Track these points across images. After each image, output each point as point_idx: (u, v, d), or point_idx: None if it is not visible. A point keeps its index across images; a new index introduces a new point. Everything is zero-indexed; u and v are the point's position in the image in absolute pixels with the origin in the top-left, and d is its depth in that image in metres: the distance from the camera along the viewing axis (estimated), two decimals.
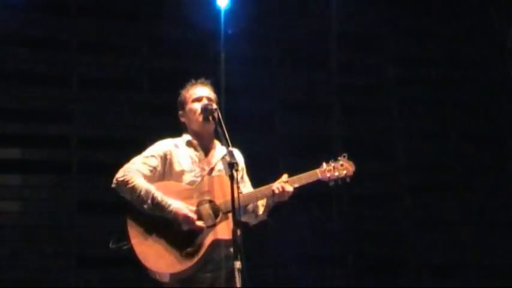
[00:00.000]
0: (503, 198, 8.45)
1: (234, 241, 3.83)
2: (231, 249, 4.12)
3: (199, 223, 4.16)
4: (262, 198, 4.36)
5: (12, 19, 7.33)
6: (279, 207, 4.47)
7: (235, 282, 3.89)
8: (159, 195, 4.18)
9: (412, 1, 8.62)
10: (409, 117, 8.54)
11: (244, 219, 4.39)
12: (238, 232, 3.81)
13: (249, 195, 4.30)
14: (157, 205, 4.16)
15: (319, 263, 7.98)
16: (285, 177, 4.32)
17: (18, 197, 7.26)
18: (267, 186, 4.32)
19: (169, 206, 4.15)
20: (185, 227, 4.15)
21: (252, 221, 4.49)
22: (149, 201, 4.16)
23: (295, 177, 4.35)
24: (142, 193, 4.17)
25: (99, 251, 6.58)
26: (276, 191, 4.26)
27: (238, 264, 3.74)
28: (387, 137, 8.52)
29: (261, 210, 4.44)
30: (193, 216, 4.15)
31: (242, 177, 4.45)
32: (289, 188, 4.28)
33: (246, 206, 4.32)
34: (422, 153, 8.50)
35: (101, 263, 7.10)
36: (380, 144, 8.41)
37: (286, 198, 4.31)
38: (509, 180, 8.48)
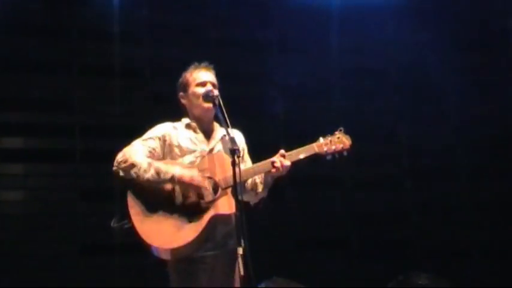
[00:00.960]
0: (507, 182, 8.44)
1: (236, 224, 3.86)
2: (232, 227, 4.15)
3: (205, 179, 4.17)
4: (260, 173, 4.36)
5: (13, 7, 7.32)
6: (277, 185, 4.48)
7: (236, 263, 3.91)
8: (161, 164, 4.21)
9: None
10: (410, 101, 8.53)
11: (245, 198, 4.42)
12: (240, 216, 3.83)
13: (246, 170, 4.31)
14: (160, 173, 4.17)
15: (321, 246, 8.01)
16: (282, 151, 4.33)
17: (21, 186, 7.28)
18: (264, 161, 4.33)
19: (172, 171, 4.18)
20: (193, 189, 4.17)
21: (252, 199, 4.50)
22: (152, 170, 4.17)
23: (292, 152, 4.37)
24: (144, 165, 4.19)
25: (102, 239, 6.60)
26: (275, 165, 4.26)
27: (240, 250, 3.76)
28: (388, 120, 8.51)
29: (260, 187, 4.46)
30: (198, 174, 4.16)
31: (243, 157, 4.47)
32: (287, 162, 4.30)
33: (245, 182, 4.32)
34: (424, 136, 8.49)
35: (104, 251, 7.13)
36: (381, 127, 8.40)
37: (284, 173, 4.32)
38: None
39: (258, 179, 4.45)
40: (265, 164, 4.33)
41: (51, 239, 7.15)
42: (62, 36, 7.52)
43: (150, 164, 4.19)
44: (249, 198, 4.50)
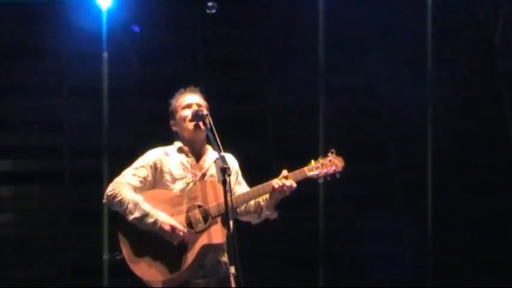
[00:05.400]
0: (497, 196, 8.46)
1: (228, 246, 3.84)
2: (224, 255, 4.13)
3: (183, 233, 4.15)
4: (259, 196, 4.30)
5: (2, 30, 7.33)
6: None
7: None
8: (147, 207, 4.18)
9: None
10: (400, 117, 8.54)
11: (246, 218, 4.40)
12: (232, 236, 3.81)
13: (239, 196, 4.27)
14: (145, 216, 4.16)
15: (311, 264, 7.99)
16: (285, 172, 4.29)
17: (11, 208, 7.25)
18: (264, 184, 4.29)
19: (157, 217, 4.15)
20: (173, 240, 4.16)
21: (254, 220, 4.47)
22: (137, 213, 4.16)
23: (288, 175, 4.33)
24: (130, 206, 4.16)
25: (92, 261, 6.57)
26: (276, 186, 4.23)
27: (233, 269, 3.74)
28: (379, 137, 8.52)
29: (266, 211, 4.38)
30: (181, 228, 4.15)
31: (237, 179, 4.44)
32: (289, 183, 4.24)
33: (237, 207, 4.30)
34: (414, 153, 8.50)
35: (94, 272, 7.08)
36: (372, 144, 8.41)
37: (287, 193, 4.28)
38: (502, 178, 8.51)
39: (263, 202, 4.42)
40: (264, 186, 4.31)
41: (41, 261, 7.11)
42: (51, 58, 7.51)
43: (136, 205, 4.18)
44: (251, 219, 4.47)
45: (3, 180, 7.22)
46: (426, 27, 8.36)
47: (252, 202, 4.36)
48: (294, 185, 4.26)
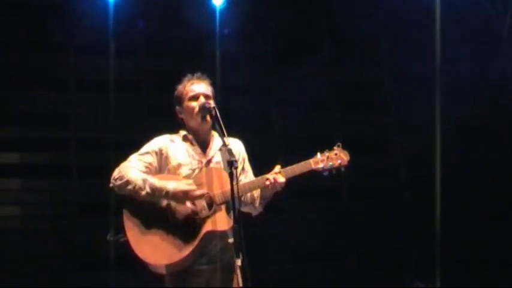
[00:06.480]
0: (502, 190, 8.44)
1: (234, 237, 3.84)
2: (228, 241, 4.13)
3: (200, 192, 4.16)
4: (255, 188, 4.33)
5: (7, 24, 7.34)
6: (274, 201, 4.46)
7: (233, 278, 3.89)
8: (156, 180, 4.19)
9: None
10: (406, 112, 8.54)
11: (245, 209, 4.40)
12: (238, 228, 3.81)
13: (242, 185, 4.25)
14: (155, 189, 4.17)
15: (319, 259, 7.99)
16: (277, 168, 4.28)
17: (18, 201, 7.27)
18: (260, 177, 4.31)
19: (166, 186, 4.16)
20: (188, 202, 4.16)
21: (252, 212, 4.48)
22: (147, 187, 4.17)
23: (288, 168, 4.31)
24: (138, 182, 4.17)
25: (99, 254, 6.59)
26: (268, 182, 4.25)
27: (239, 261, 3.75)
28: (385, 131, 8.51)
29: (257, 202, 4.43)
30: (193, 188, 4.16)
31: (243, 168, 4.45)
32: (282, 179, 4.24)
33: (241, 196, 4.30)
34: (419, 147, 8.49)
35: (102, 265, 7.11)
36: (378, 139, 8.40)
37: (279, 189, 4.27)
38: (507, 172, 8.49)
39: (256, 193, 4.43)
40: (260, 179, 4.31)
41: (49, 254, 7.13)
42: (57, 52, 7.52)
43: (144, 181, 4.19)
44: (250, 211, 4.49)
45: (10, 173, 7.24)
46: (435, 22, 8.36)
47: (248, 194, 4.38)
48: (284, 180, 4.23)
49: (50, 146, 7.37)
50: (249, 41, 8.00)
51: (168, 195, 4.17)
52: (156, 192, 4.17)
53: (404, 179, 8.53)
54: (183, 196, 4.16)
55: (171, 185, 4.17)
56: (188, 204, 4.18)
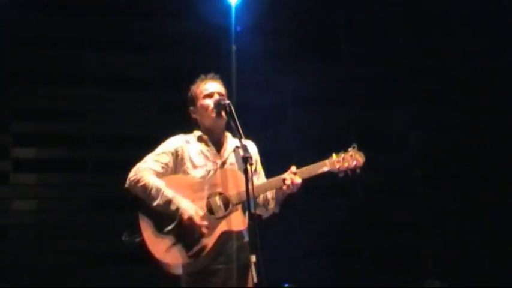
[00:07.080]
0: None
1: (250, 235, 3.86)
2: (244, 241, 4.15)
3: (203, 226, 4.17)
4: (271, 189, 4.35)
5: (26, 19, 7.37)
6: (289, 200, 4.46)
7: (249, 276, 3.90)
8: (170, 193, 4.20)
9: None
10: (422, 108, 8.52)
11: (257, 211, 4.41)
12: (253, 225, 3.83)
13: (258, 186, 4.28)
14: (167, 203, 4.17)
15: (334, 255, 8.00)
16: (293, 168, 4.30)
17: (34, 195, 7.31)
18: (276, 178, 4.32)
19: (178, 207, 4.17)
20: (190, 227, 4.18)
21: (263, 213, 4.49)
22: (160, 199, 4.18)
23: (303, 169, 4.33)
24: (153, 191, 4.19)
25: (115, 249, 6.61)
26: (287, 183, 4.25)
27: (253, 258, 3.76)
28: (400, 128, 8.49)
29: (272, 203, 4.44)
30: (198, 218, 4.16)
31: (256, 169, 4.45)
32: (298, 180, 4.26)
33: (256, 197, 4.31)
34: (435, 144, 8.47)
35: (117, 260, 7.14)
36: (393, 135, 8.39)
37: (295, 190, 4.29)
38: None
39: (270, 194, 4.43)
40: (276, 180, 4.31)
41: (65, 248, 7.17)
42: (74, 47, 7.55)
43: (159, 191, 4.20)
44: (261, 212, 4.49)
45: (27, 168, 7.28)
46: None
47: (261, 195, 4.39)
48: (300, 181, 4.26)
49: (67, 141, 7.40)
50: (265, 36, 7.99)
51: (177, 211, 4.18)
52: (168, 206, 4.18)
53: (419, 176, 8.50)
54: (185, 221, 4.17)
55: (184, 204, 4.18)
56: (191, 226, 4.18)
